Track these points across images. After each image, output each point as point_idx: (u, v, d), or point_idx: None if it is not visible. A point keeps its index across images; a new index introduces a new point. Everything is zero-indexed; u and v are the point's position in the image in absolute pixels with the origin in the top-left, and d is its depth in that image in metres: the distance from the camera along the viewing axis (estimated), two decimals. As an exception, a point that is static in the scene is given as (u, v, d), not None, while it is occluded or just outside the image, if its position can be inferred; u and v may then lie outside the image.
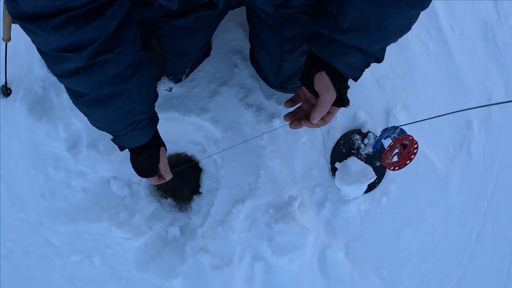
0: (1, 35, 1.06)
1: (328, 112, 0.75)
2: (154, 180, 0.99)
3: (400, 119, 1.28)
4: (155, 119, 0.91)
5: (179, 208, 1.31)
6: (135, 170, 0.97)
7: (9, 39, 1.08)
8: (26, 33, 0.65)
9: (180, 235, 1.26)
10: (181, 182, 1.34)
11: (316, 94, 0.75)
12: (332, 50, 0.73)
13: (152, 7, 0.86)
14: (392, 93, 1.29)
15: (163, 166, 0.96)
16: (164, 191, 1.34)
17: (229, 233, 1.14)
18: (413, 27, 1.48)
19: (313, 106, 0.78)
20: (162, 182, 1.00)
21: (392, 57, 1.32)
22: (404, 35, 1.39)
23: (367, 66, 0.77)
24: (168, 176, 0.99)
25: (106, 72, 0.71)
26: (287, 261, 1.13)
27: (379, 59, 0.78)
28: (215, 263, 1.16)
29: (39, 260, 1.29)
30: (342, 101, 0.75)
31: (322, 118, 0.76)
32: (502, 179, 1.53)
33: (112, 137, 0.88)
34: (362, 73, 0.77)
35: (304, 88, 0.79)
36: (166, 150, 0.98)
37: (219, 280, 1.17)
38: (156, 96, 0.88)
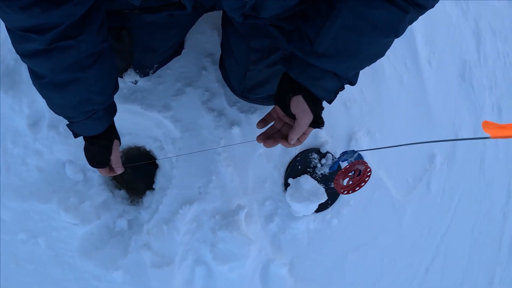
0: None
1: (303, 133, 0.78)
2: (104, 172, 0.99)
3: (362, 144, 1.28)
4: (112, 111, 0.91)
5: (131, 201, 1.30)
6: (87, 159, 0.97)
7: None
8: None
9: (127, 228, 1.25)
10: (137, 175, 1.33)
11: (292, 116, 0.77)
12: (308, 74, 0.74)
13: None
14: (358, 117, 1.30)
15: (115, 159, 0.96)
16: (119, 182, 1.33)
17: (174, 233, 1.13)
18: (390, 56, 1.50)
19: (287, 124, 0.81)
20: (112, 174, 1.00)
21: (364, 82, 1.33)
22: (381, 63, 1.40)
23: (342, 89, 0.79)
24: (119, 170, 0.98)
25: (66, 57, 0.71)
26: (227, 269, 1.12)
27: (352, 83, 0.80)
28: (156, 261, 1.16)
29: (-14, 234, 1.27)
30: (317, 123, 0.78)
31: (297, 138, 0.79)
32: (459, 216, 1.54)
33: (68, 122, 0.88)
34: (336, 96, 0.79)
35: (277, 107, 0.81)
36: (120, 143, 0.97)
37: (158, 279, 1.17)
38: (116, 88, 0.88)
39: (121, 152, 1.31)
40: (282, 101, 0.78)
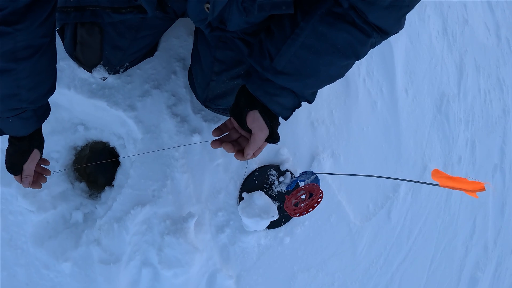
0: None
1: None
2: (18, 179, 0.91)
3: (324, 165, 1.28)
4: (43, 115, 0.85)
5: (90, 195, 1.31)
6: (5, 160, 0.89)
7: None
8: None
9: (82, 221, 1.26)
10: (100, 170, 1.34)
11: (248, 130, 0.77)
12: (265, 89, 0.75)
13: None
14: (324, 138, 1.30)
15: (27, 170, 0.88)
16: (81, 174, 1.34)
17: (123, 232, 1.13)
18: (366, 80, 1.50)
19: (243, 136, 0.80)
20: (24, 185, 0.91)
21: (335, 104, 1.33)
22: (356, 86, 1.40)
23: (298, 106, 0.79)
24: (25, 184, 0.90)
25: (1, 45, 0.67)
26: (171, 274, 1.13)
27: (310, 101, 0.80)
28: (104, 257, 1.16)
29: None
30: (273, 138, 0.78)
31: None
32: (418, 247, 1.55)
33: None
34: (292, 112, 0.79)
35: (233, 120, 0.80)
36: (40, 155, 0.90)
37: (104, 275, 1.17)
38: (51, 90, 0.83)
39: (87, 145, 1.31)
40: (238, 114, 0.78)
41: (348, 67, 0.76)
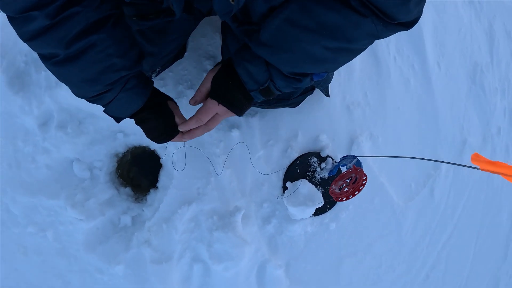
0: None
1: (207, 113, 0.81)
2: (178, 139, 0.85)
3: (364, 148, 1.27)
4: (146, 80, 0.80)
5: (135, 199, 1.34)
6: (152, 140, 0.84)
7: None
8: None
9: (131, 225, 1.29)
10: (143, 173, 1.37)
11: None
12: (242, 54, 0.75)
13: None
14: (361, 121, 1.29)
15: (180, 119, 0.83)
16: (125, 179, 1.37)
17: (172, 231, 1.16)
18: (397, 58, 1.45)
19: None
20: (198, 133, 0.83)
21: (368, 85, 1.31)
22: (387, 65, 1.35)
23: (264, 85, 0.75)
24: (199, 131, 0.81)
25: (75, 25, 0.66)
26: (222, 268, 1.15)
27: (278, 88, 0.77)
28: (156, 257, 1.19)
29: (-2, 226, 1.33)
30: (217, 97, 0.79)
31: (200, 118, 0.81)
32: (463, 223, 1.51)
33: (103, 109, 0.78)
34: (256, 89, 0.76)
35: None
36: (176, 104, 0.85)
37: (157, 275, 1.20)
38: (141, 55, 0.78)
39: (127, 151, 1.34)
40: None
41: (340, 53, 0.70)
